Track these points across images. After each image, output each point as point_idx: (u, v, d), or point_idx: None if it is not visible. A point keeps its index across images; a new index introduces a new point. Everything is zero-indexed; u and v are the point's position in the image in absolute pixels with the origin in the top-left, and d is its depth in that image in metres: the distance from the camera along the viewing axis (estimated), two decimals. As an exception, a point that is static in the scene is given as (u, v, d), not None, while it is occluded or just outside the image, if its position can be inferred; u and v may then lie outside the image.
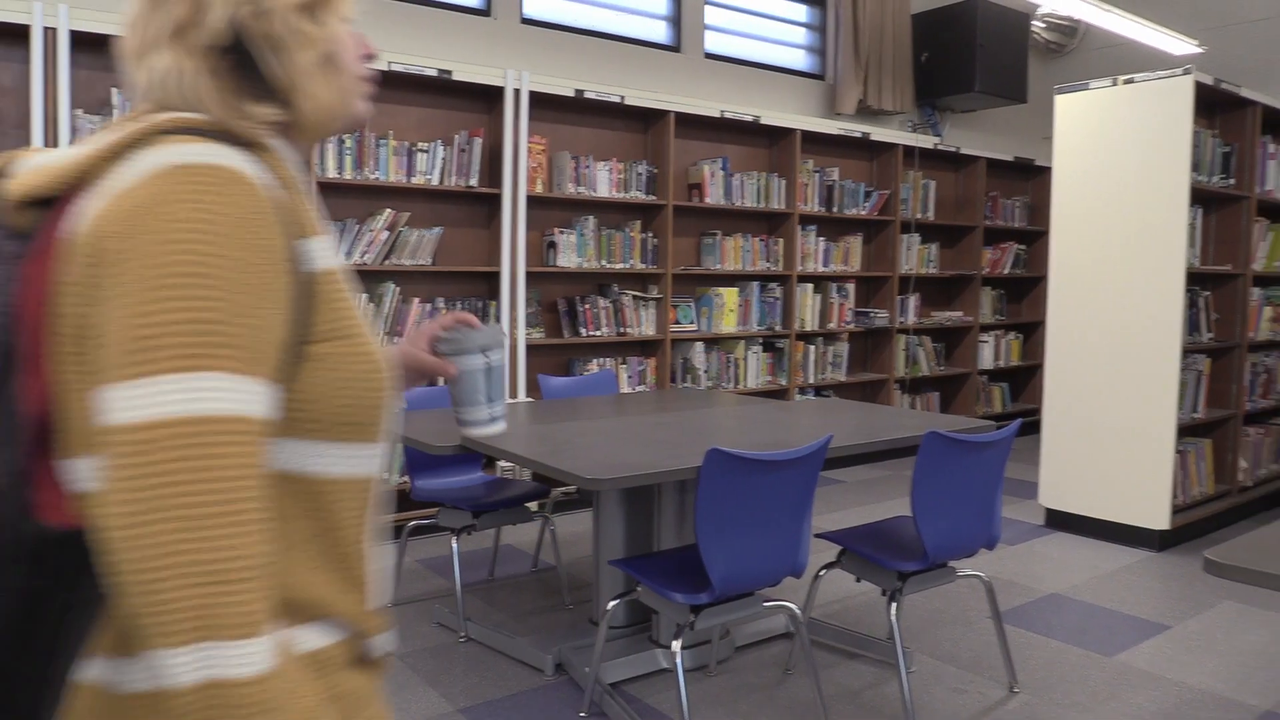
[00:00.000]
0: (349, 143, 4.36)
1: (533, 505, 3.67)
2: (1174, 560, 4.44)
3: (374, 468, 0.89)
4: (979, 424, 3.09)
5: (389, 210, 4.52)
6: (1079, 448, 4.80)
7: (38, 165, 0.82)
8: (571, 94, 5.00)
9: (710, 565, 2.36)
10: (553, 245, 5.10)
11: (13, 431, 0.76)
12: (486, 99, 4.90)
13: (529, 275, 4.92)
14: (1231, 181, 4.89)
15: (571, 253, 5.12)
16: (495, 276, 4.86)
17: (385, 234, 4.49)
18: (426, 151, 4.60)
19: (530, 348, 4.96)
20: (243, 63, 0.84)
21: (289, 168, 0.86)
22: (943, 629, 3.53)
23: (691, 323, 5.61)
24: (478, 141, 4.74)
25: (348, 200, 4.52)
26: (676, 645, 2.50)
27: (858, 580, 2.93)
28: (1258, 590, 3.83)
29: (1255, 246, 5.02)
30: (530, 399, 4.80)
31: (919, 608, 3.72)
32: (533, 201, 4.94)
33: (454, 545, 3.46)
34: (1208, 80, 4.49)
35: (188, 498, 0.68)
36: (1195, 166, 4.45)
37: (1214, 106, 4.92)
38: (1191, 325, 4.68)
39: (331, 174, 4.32)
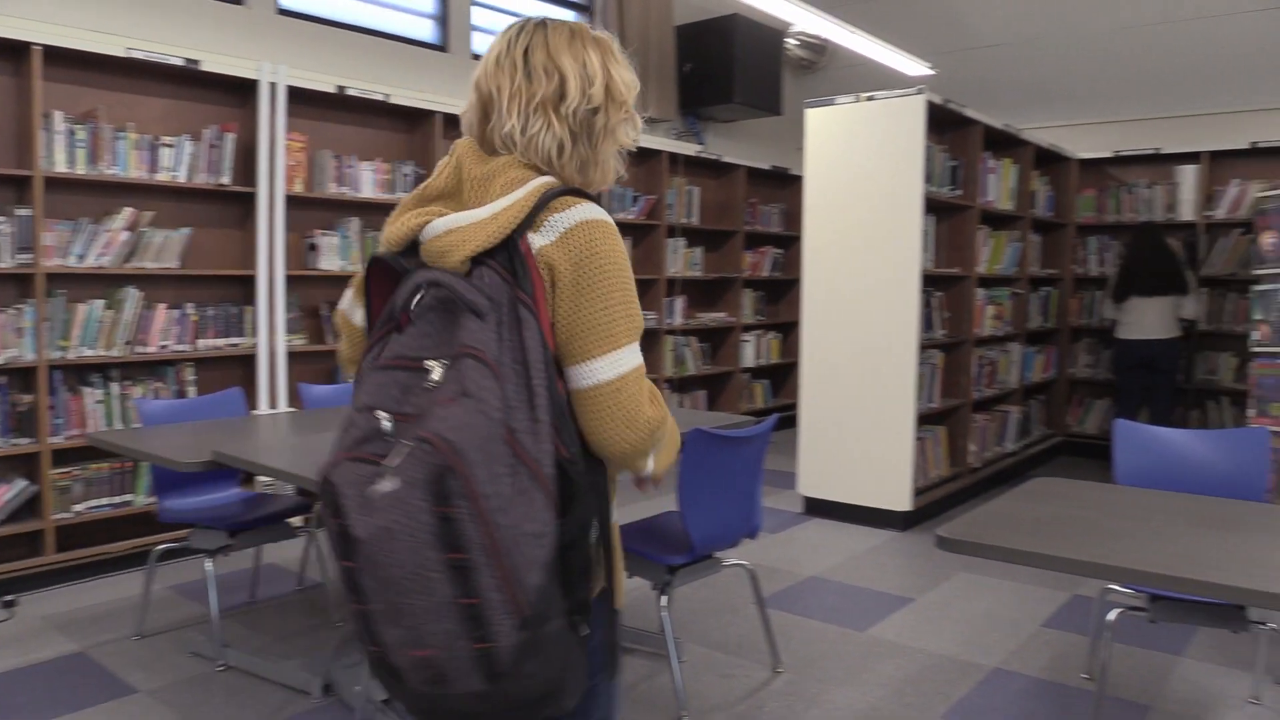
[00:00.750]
0: (81, 134, 3.99)
1: (296, 521, 3.50)
2: (916, 538, 4.83)
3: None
4: (741, 420, 3.24)
5: (129, 209, 4.18)
6: (832, 438, 5.13)
7: (452, 227, 1.30)
8: (333, 90, 4.81)
9: (692, 528, 2.67)
10: (314, 247, 4.89)
11: (563, 411, 1.27)
12: (240, 92, 4.62)
13: (289, 279, 4.69)
14: (959, 192, 5.38)
15: (334, 255, 4.93)
16: (251, 280, 4.60)
17: (125, 234, 4.14)
18: (172, 146, 4.29)
19: (291, 355, 4.73)
20: (575, 139, 1.38)
21: None
22: (711, 618, 3.68)
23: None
24: (230, 137, 4.47)
25: (80, 197, 4.13)
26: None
27: (629, 576, 2.99)
28: (987, 560, 4.24)
29: (979, 251, 5.55)
30: (292, 409, 4.58)
31: (689, 599, 3.85)
32: (292, 201, 4.71)
33: (208, 568, 3.24)
34: (938, 100, 4.92)
35: (636, 406, 1.30)
36: (928, 178, 4.87)
37: (944, 124, 5.40)
38: (927, 323, 5.11)
39: (61, 168, 3.93)
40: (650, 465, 1.40)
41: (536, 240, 1.28)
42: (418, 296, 1.27)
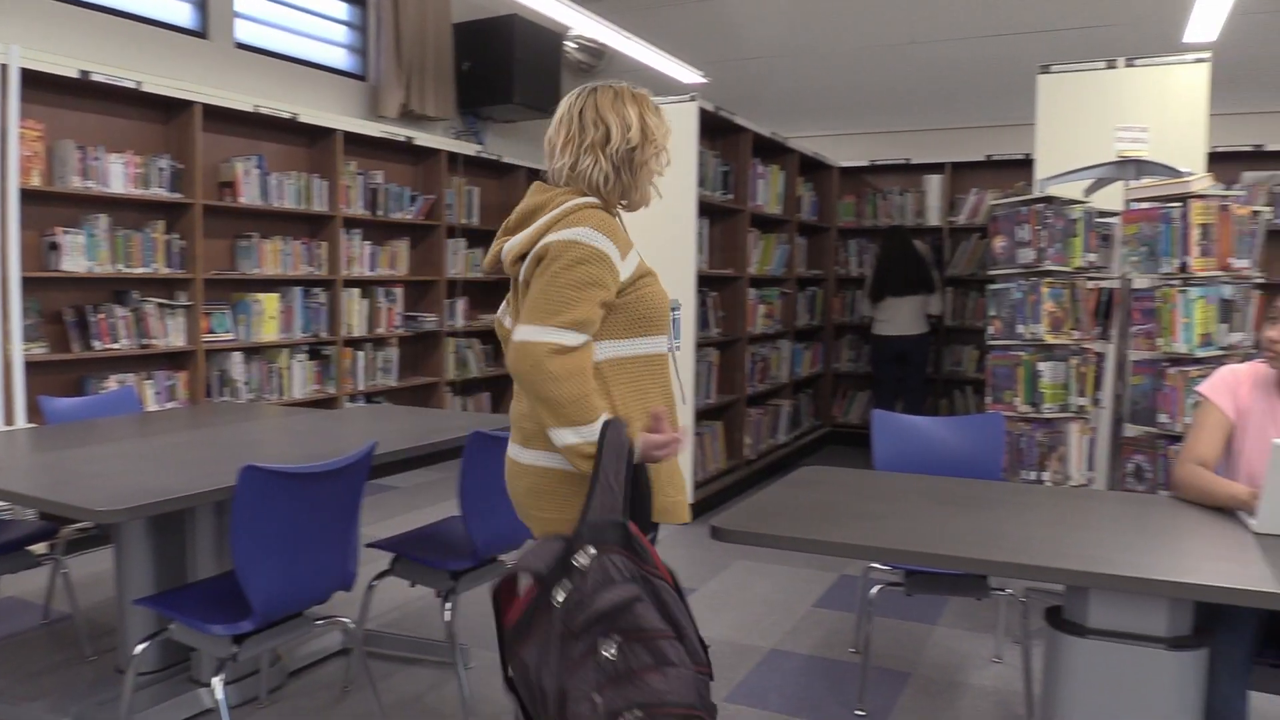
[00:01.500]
0: None
1: (39, 548, 3.18)
2: (697, 531, 4.98)
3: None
4: (523, 421, 3.22)
5: None
6: (616, 437, 5.20)
7: (513, 246, 1.93)
8: (76, 75, 4.40)
9: (251, 590, 2.21)
10: (55, 246, 4.46)
11: None
12: (-42, 74, 4.14)
13: (25, 281, 4.25)
14: (731, 196, 5.60)
15: (80, 255, 4.52)
16: (-22, 283, 4.13)
17: None
18: (-126, 132, 3.79)
19: (30, 365, 4.29)
20: (618, 171, 1.93)
21: (620, 221, 1.98)
22: (499, 622, 3.64)
23: (228, 331, 5.22)
24: (-52, 123, 4.00)
25: None
26: (218, 682, 2.32)
27: (412, 585, 2.92)
28: (763, 548, 4.43)
29: (750, 253, 5.81)
30: (31, 425, 4.16)
31: (476, 604, 3.80)
32: (28, 195, 4.27)
33: (-70, 604, 2.89)
34: (710, 107, 5.10)
35: (542, 375, 1.76)
36: (702, 182, 5.04)
37: (716, 130, 5.61)
38: (703, 322, 5.29)
39: None
40: (559, 437, 1.82)
41: (550, 237, 1.86)
42: None
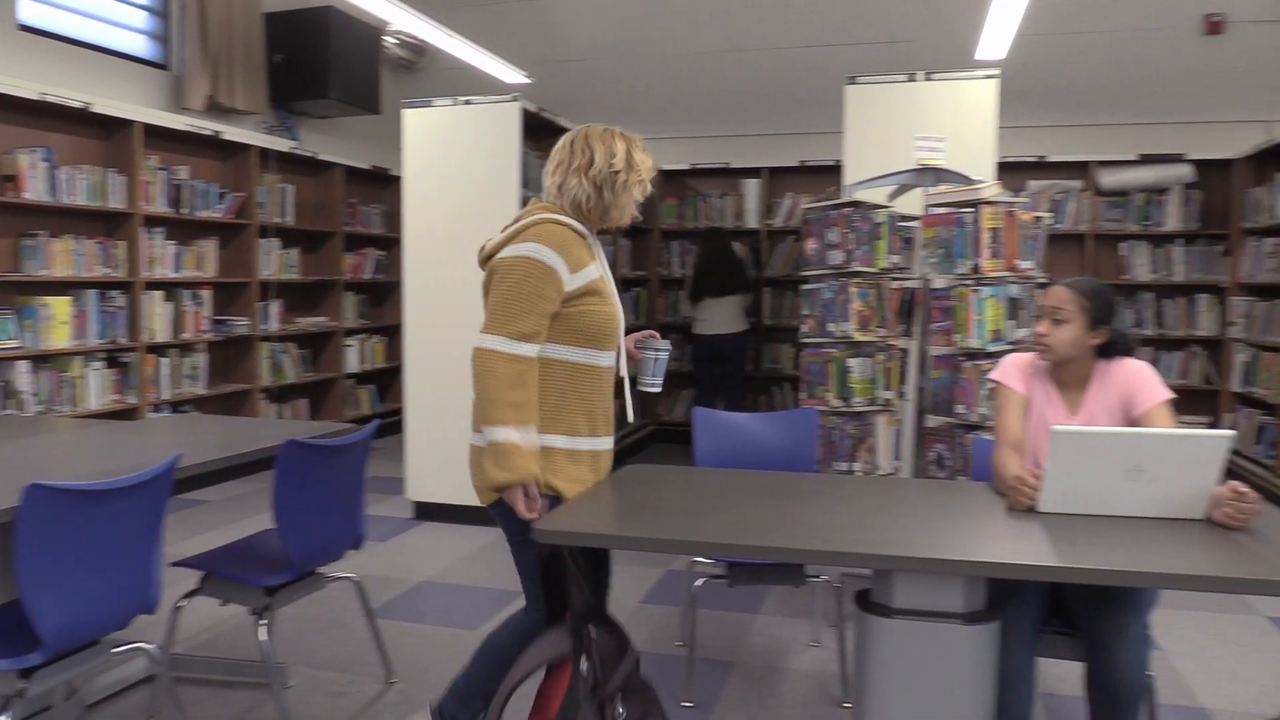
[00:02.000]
0: None
1: None
2: (526, 534, 4.96)
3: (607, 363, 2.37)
4: (342, 427, 3.13)
5: None
6: (440, 441, 5.12)
7: (492, 242, 2.32)
8: None
9: (38, 619, 2.04)
10: None
11: None
12: None
13: None
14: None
15: None
16: None
17: None
18: None
19: None
20: (600, 191, 2.32)
21: (589, 236, 2.35)
22: (319, 636, 3.52)
23: (12, 338, 4.80)
24: None
25: None
26: None
27: (223, 604, 2.78)
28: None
29: (575, 254, 5.82)
30: None
31: (293, 619, 3.66)
32: None
33: None
34: (533, 108, 5.08)
35: (493, 378, 2.21)
36: (525, 183, 5.02)
37: (539, 131, 5.59)
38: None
39: None
40: (496, 434, 2.21)
41: (505, 252, 2.25)
42: None
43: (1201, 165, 6.96)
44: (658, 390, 2.54)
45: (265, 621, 2.68)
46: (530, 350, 2.21)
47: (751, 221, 7.70)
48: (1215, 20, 6.72)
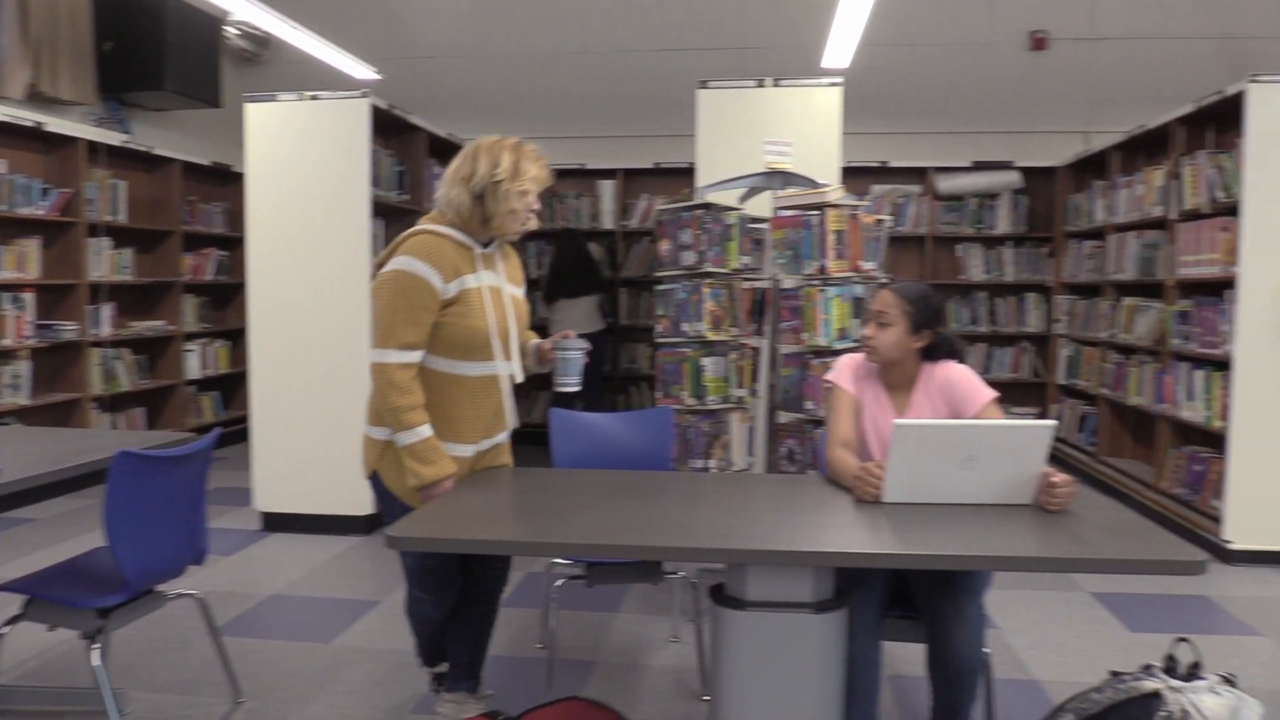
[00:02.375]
0: None
1: None
2: (379, 541, 4.85)
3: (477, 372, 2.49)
4: (181, 436, 2.98)
5: None
6: (290, 449, 4.94)
7: (380, 256, 2.50)
8: None
9: None
10: None
11: None
12: None
13: None
14: (407, 197, 5.50)
15: None
16: None
17: None
18: None
19: None
20: (481, 200, 2.43)
21: (475, 247, 2.50)
22: (160, 657, 3.34)
23: None
24: None
25: None
26: None
27: (51, 629, 2.61)
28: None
29: (430, 255, 5.72)
30: None
31: (131, 642, 3.46)
32: None
33: None
34: (383, 104, 4.97)
35: (390, 389, 2.37)
36: (376, 182, 4.90)
37: (390, 129, 5.47)
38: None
39: None
40: (399, 439, 2.41)
41: (386, 267, 2.42)
42: None
43: (1028, 172, 7.43)
44: (573, 389, 2.62)
45: (98, 645, 2.52)
46: (416, 356, 2.39)
47: (608, 222, 7.75)
48: (1040, 36, 7.18)
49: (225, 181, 7.71)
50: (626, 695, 3.08)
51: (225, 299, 7.79)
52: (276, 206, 4.87)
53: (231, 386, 7.73)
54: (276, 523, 5.04)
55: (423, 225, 2.45)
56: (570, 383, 2.62)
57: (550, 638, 3.28)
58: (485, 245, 2.54)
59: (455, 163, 2.47)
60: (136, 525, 2.49)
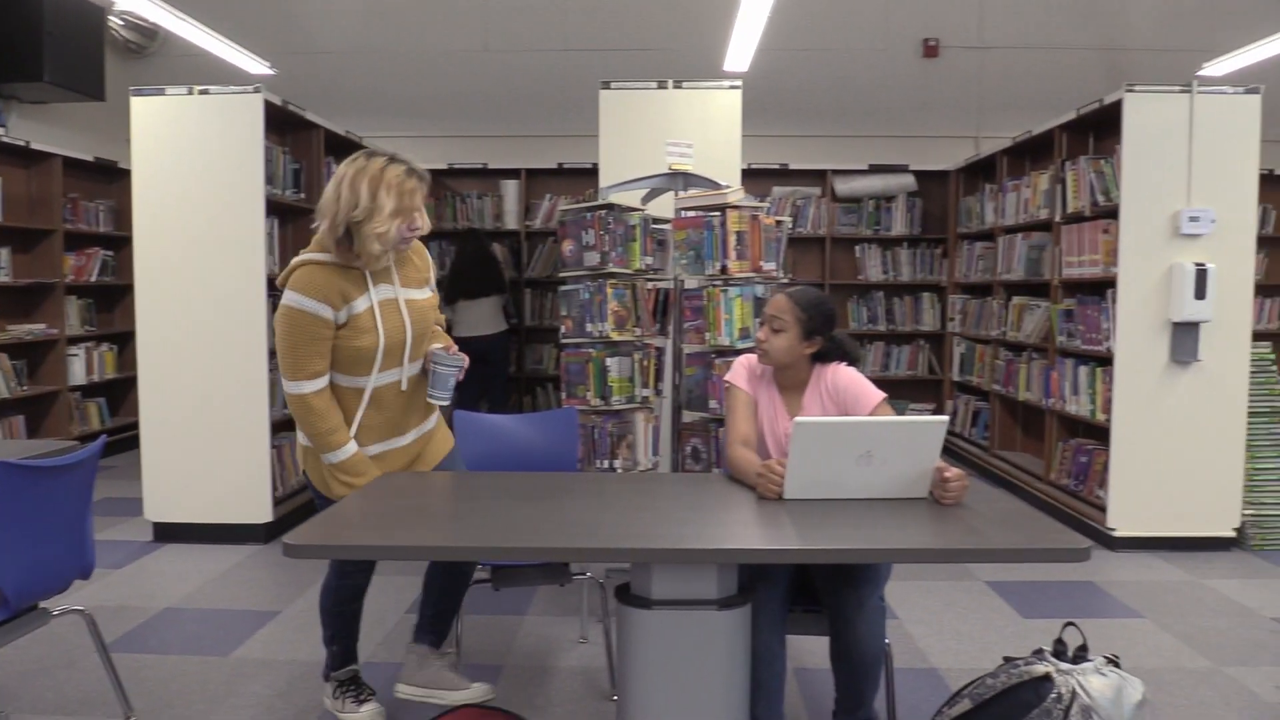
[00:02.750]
0: None
1: None
2: (279, 550, 4.72)
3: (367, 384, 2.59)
4: (64, 445, 2.85)
5: None
6: (183, 456, 4.77)
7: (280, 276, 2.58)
8: None
9: None
10: None
11: None
12: None
13: None
14: (303, 195, 5.36)
15: None
16: None
17: None
18: None
19: None
20: (348, 234, 2.49)
21: (352, 270, 2.53)
22: (45, 677, 3.19)
23: None
24: None
25: None
26: None
27: (-79, 649, 2.46)
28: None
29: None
30: None
31: (13, 661, 3.29)
32: None
33: None
34: (277, 100, 4.84)
35: (309, 417, 2.53)
36: (270, 180, 4.77)
37: (285, 125, 5.33)
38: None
39: None
40: (326, 459, 2.58)
41: (282, 299, 2.51)
42: None
43: (922, 176, 7.66)
44: (442, 404, 2.69)
45: (-26, 666, 2.40)
46: (327, 380, 2.54)
47: (511, 223, 7.70)
48: (932, 44, 7.41)
49: (111, 178, 7.40)
50: (536, 698, 3.07)
51: (112, 301, 7.48)
52: (166, 205, 4.69)
53: (120, 392, 7.42)
54: (169, 533, 4.86)
55: (306, 255, 2.51)
56: (440, 397, 2.67)
57: (457, 643, 3.24)
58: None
59: (327, 189, 2.51)
60: (16, 539, 2.37)
